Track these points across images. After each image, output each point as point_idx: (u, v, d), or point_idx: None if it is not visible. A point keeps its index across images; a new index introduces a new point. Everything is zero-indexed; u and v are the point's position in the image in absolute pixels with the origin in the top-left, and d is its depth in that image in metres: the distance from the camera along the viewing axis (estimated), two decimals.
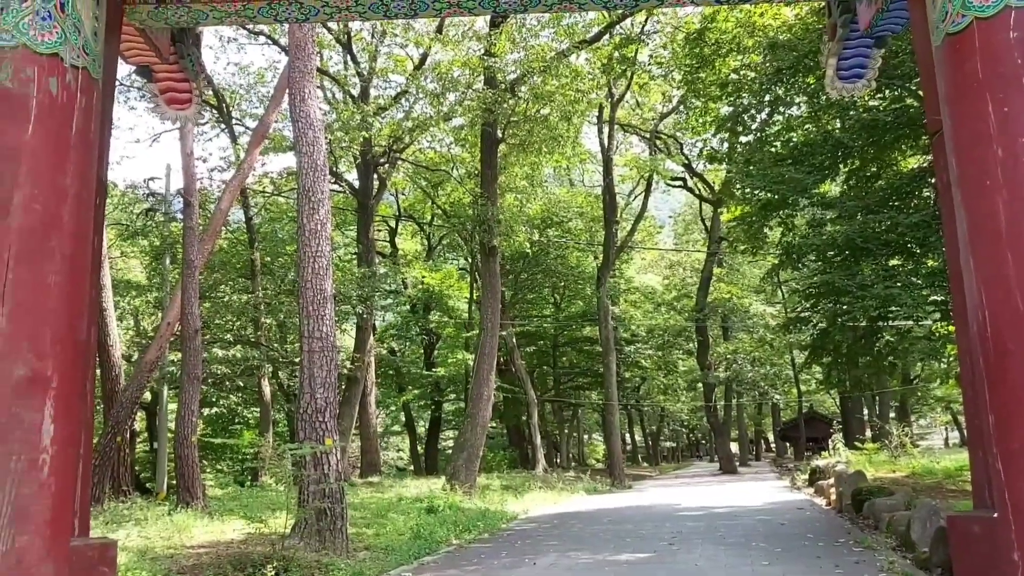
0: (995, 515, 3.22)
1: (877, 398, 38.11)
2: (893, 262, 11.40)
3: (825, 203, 13.63)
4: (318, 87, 30.03)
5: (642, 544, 10.35)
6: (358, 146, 26.01)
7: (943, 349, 12.73)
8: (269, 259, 28.79)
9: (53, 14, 4.14)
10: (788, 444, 54.46)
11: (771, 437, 72.55)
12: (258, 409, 28.86)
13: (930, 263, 10.74)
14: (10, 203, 3.59)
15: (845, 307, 11.17)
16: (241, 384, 24.35)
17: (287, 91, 12.95)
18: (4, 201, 3.59)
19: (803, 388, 51.78)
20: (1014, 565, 2.92)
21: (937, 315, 11.28)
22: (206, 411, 31.76)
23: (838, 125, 12.97)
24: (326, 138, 25.85)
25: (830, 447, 26.96)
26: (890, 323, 11.45)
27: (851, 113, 12.80)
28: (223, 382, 24.40)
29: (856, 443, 26.05)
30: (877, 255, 11.44)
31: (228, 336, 22.99)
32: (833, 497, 16.33)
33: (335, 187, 32.22)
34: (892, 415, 35.46)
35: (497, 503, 17.52)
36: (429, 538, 11.89)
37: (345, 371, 25.88)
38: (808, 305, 13.38)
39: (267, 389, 27.03)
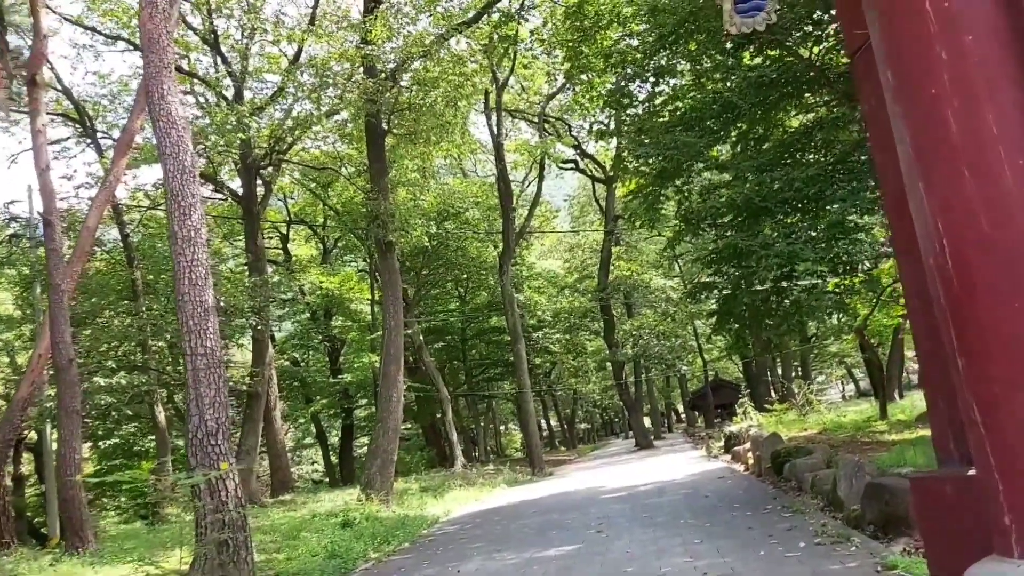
0: (971, 472, 2.81)
1: (779, 360, 39.15)
2: (792, 219, 11.30)
3: (720, 166, 13.49)
4: (187, 92, 28.70)
5: (569, 535, 9.89)
6: (236, 150, 24.72)
7: (849, 301, 12.79)
8: (152, 277, 27.11)
9: None
10: (697, 413, 55.65)
11: (681, 408, 74.13)
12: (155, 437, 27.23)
13: (828, 217, 10.67)
14: None
15: (751, 269, 10.99)
16: (130, 413, 22.72)
17: (145, 90, 11.81)
18: None
19: (707, 356, 52.91)
20: (1005, 530, 2.50)
21: (839, 268, 11.25)
22: (102, 444, 29.82)
23: (726, 87, 12.82)
24: (202, 144, 24.68)
25: (739, 412, 27.39)
26: (796, 281, 11.36)
27: (735, 74, 12.66)
28: (109, 413, 22.74)
29: (765, 406, 26.53)
30: (776, 213, 11.32)
31: (111, 363, 21.34)
32: (751, 461, 16.35)
33: (217, 195, 30.73)
34: (794, 375, 36.40)
35: (416, 508, 16.84)
36: (345, 556, 11.13)
37: (245, 387, 24.62)
38: (711, 271, 13.19)
39: (161, 415, 25.47)
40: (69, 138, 27.98)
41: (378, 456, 18.41)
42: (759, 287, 11.96)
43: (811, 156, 12.51)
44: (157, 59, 11.39)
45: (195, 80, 27.26)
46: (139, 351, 25.21)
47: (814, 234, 10.71)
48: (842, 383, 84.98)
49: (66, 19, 24.44)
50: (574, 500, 14.73)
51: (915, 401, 24.41)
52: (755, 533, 8.03)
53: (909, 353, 39.46)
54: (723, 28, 4.78)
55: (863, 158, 11.02)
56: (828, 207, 10.97)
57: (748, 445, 17.23)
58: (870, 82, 3.41)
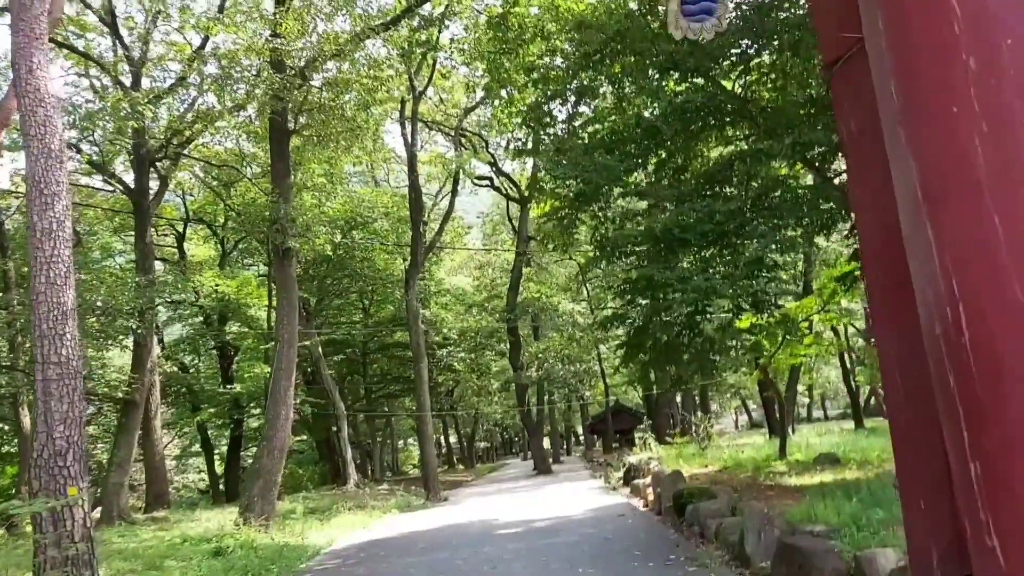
0: None
1: (680, 392, 39.34)
2: (709, 253, 10.91)
3: (639, 192, 13.05)
4: (81, 75, 26.79)
5: None
6: (129, 139, 23.07)
7: (761, 339, 12.50)
8: (27, 269, 24.94)
9: None
10: (596, 436, 55.61)
11: (580, 430, 74.24)
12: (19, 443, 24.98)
13: (748, 251, 10.30)
14: None
15: (664, 302, 10.51)
16: None
17: (12, 63, 10.50)
18: None
19: (610, 382, 53.01)
20: None
21: (759, 306, 10.92)
22: None
23: (648, 112, 12.41)
24: (91, 130, 22.93)
25: (639, 442, 27.19)
26: (709, 316, 10.93)
27: (660, 99, 12.25)
28: None
29: (666, 438, 26.42)
30: (694, 246, 10.90)
31: None
32: (651, 498, 15.91)
33: (107, 188, 28.76)
34: (694, 406, 36.59)
35: (299, 535, 15.69)
36: None
37: (121, 395, 22.85)
38: (624, 302, 12.69)
39: (27, 420, 23.35)
40: None
41: (260, 477, 17.16)
42: (671, 321, 11.48)
43: (731, 190, 12.17)
44: (27, 27, 10.13)
45: (91, 63, 25.45)
46: (6, 348, 23.14)
47: (733, 271, 10.29)
48: (735, 413, 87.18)
49: None
50: (468, 534, 13.91)
51: (808, 438, 24.66)
52: None
53: (800, 387, 40.34)
54: (667, 31, 4.12)
55: (785, 195, 10.73)
56: (747, 242, 10.61)
57: (649, 480, 16.80)
58: (851, 100, 2.79)
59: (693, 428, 22.40)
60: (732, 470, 16.75)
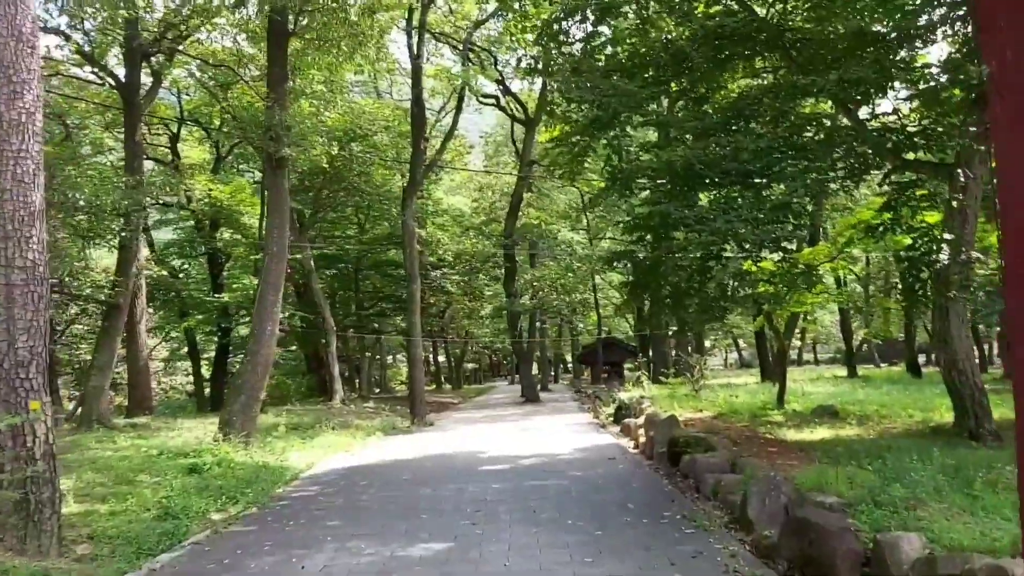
0: None
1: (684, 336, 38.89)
2: (733, 193, 10.12)
3: (660, 122, 12.17)
4: None
5: (440, 526, 8.60)
6: (121, 29, 21.84)
7: (785, 293, 11.81)
8: None
9: None
10: (585, 366, 55.58)
11: (569, 359, 74.36)
12: None
13: (775, 194, 9.54)
14: None
15: (678, 242, 9.78)
16: None
17: None
18: None
19: (603, 313, 52.66)
20: None
21: (777, 252, 10.21)
22: None
23: (680, 33, 11.42)
24: (81, 16, 21.65)
25: (632, 378, 26.79)
26: (723, 262, 10.21)
27: (690, 21, 11.26)
28: None
29: (660, 378, 26.01)
30: (716, 184, 10.11)
31: None
32: (642, 440, 15.50)
33: (96, 80, 27.55)
34: (690, 345, 36.18)
35: (279, 455, 15.27)
36: (181, 516, 9.57)
37: (104, 297, 22.23)
38: (633, 238, 11.94)
39: None
40: None
41: (243, 392, 16.67)
42: (682, 264, 10.78)
43: (756, 126, 11.29)
44: None
45: None
46: None
47: (757, 214, 9.52)
48: (725, 351, 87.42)
49: None
50: (452, 467, 13.49)
51: (803, 386, 24.27)
52: (654, 556, 6.91)
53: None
54: None
55: (817, 135, 9.90)
56: (773, 184, 9.83)
57: (641, 422, 16.38)
58: (1011, 19, 2.03)
59: (689, 369, 21.90)
60: (728, 417, 16.31)
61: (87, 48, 23.74)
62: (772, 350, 31.82)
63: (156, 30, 22.54)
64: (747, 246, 9.76)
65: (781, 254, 11.43)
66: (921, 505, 6.58)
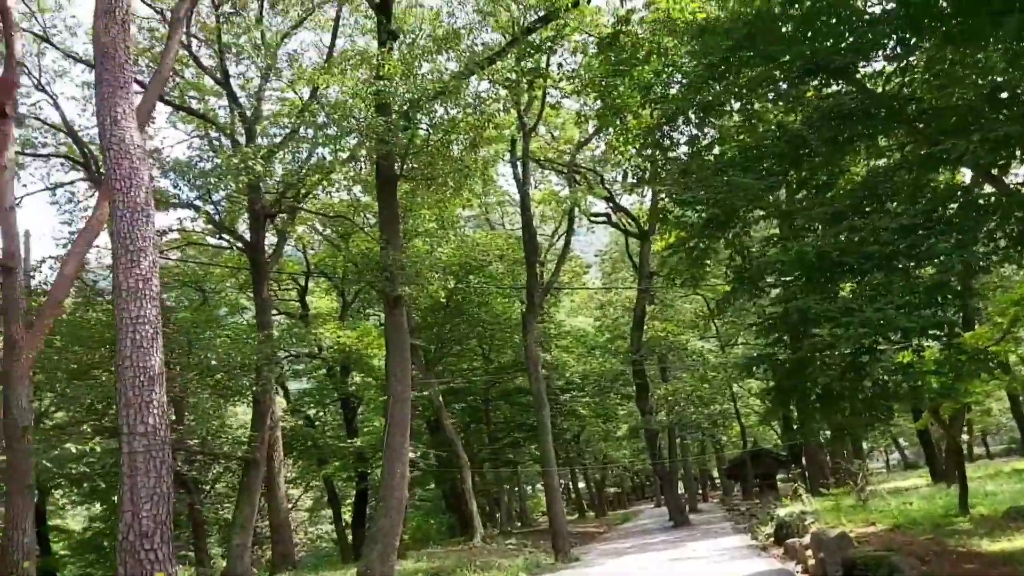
0: None
1: (839, 441, 36.14)
2: (878, 279, 9.12)
3: (783, 213, 11.37)
4: (201, 136, 27.32)
5: None
6: (244, 195, 23.13)
7: (956, 386, 10.50)
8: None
9: None
10: (734, 481, 52.39)
11: (716, 474, 70.65)
12: None
13: (927, 273, 8.53)
14: None
15: (823, 340, 8.80)
16: (103, 485, 20.58)
17: (96, 114, 10.02)
18: None
19: (745, 422, 49.97)
20: None
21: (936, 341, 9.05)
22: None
23: (792, 120, 10.79)
24: (206, 187, 23.08)
25: (788, 492, 24.75)
26: (878, 355, 9.09)
27: (802, 105, 10.62)
28: (80, 483, 20.69)
29: (820, 489, 23.88)
30: (857, 272, 9.16)
31: (86, 428, 19.28)
32: (811, 562, 13.86)
33: (226, 245, 29.20)
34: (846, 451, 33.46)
35: None
36: None
37: (240, 454, 22.56)
38: (769, 340, 10.96)
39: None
40: (71, 182, 26.79)
41: (378, 541, 16.15)
42: (830, 362, 9.69)
43: (893, 204, 10.33)
44: (112, 77, 9.63)
45: (208, 124, 25.97)
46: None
47: (911, 299, 8.45)
48: (885, 452, 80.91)
49: (49, 43, 23.09)
50: None
51: (983, 485, 21.59)
52: None
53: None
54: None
55: (964, 208, 8.88)
56: (923, 263, 8.79)
57: (807, 541, 14.73)
58: None
59: (851, 477, 19.93)
60: (906, 528, 14.47)
61: (217, 217, 25.25)
62: (940, 448, 29.00)
63: (276, 191, 23.73)
64: (905, 336, 8.66)
65: (944, 341, 10.18)
66: None
